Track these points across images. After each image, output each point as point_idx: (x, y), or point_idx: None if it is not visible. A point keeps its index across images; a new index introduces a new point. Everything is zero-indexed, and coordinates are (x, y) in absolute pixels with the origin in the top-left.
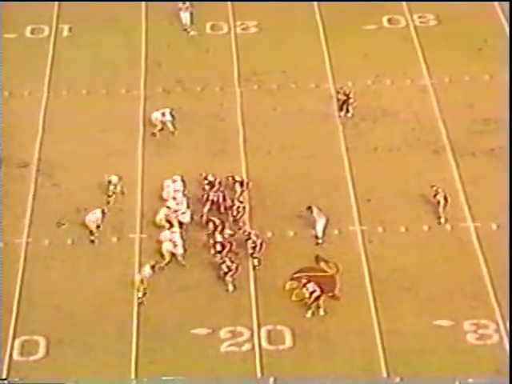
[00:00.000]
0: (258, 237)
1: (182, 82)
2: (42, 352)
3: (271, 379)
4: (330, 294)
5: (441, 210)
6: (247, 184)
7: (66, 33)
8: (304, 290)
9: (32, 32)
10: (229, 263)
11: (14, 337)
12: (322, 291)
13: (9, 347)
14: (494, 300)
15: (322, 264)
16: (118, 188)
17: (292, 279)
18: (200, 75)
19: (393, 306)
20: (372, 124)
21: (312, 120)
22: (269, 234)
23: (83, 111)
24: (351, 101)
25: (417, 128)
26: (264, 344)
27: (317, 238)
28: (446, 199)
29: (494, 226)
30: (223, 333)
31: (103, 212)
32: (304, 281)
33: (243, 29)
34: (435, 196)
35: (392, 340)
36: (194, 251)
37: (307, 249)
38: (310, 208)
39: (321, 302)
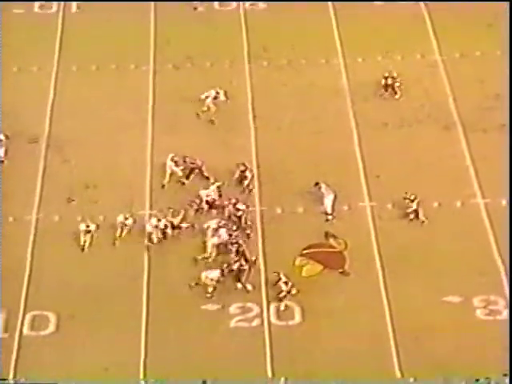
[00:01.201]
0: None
1: (191, 58)
2: (52, 327)
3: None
4: (340, 270)
5: (421, 215)
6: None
7: (74, 9)
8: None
9: (40, 8)
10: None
11: (25, 311)
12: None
13: (19, 322)
14: (503, 276)
15: (331, 240)
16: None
17: (301, 255)
18: (209, 51)
19: (402, 282)
20: (382, 100)
21: (322, 96)
22: (278, 211)
23: (92, 87)
24: (397, 84)
25: (427, 104)
26: (273, 320)
27: (326, 214)
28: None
29: (504, 202)
30: (233, 309)
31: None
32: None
33: (252, 4)
34: (412, 202)
35: (401, 316)
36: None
37: (317, 225)
38: (317, 184)
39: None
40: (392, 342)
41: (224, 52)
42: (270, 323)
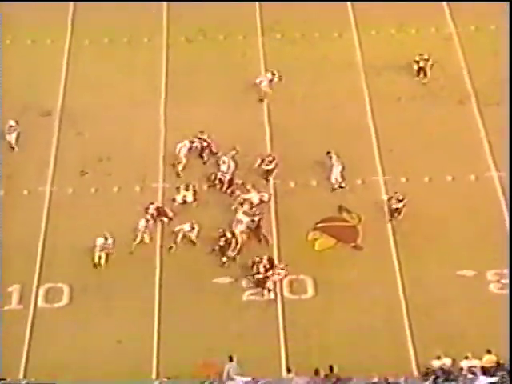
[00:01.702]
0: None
1: (204, 31)
2: (65, 299)
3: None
4: (353, 244)
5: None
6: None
7: None
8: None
9: None
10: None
11: (39, 284)
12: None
13: (33, 294)
14: None
15: (345, 214)
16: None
17: (315, 229)
18: (222, 24)
19: (415, 255)
20: (395, 73)
21: (335, 69)
22: (291, 184)
23: (105, 60)
24: (430, 63)
25: (441, 77)
26: (286, 293)
27: (337, 181)
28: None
29: None
30: (245, 282)
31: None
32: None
33: None
34: (400, 202)
35: (414, 290)
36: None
37: (330, 199)
38: (329, 153)
39: (268, 284)
40: (405, 316)
41: (237, 25)
42: (282, 297)
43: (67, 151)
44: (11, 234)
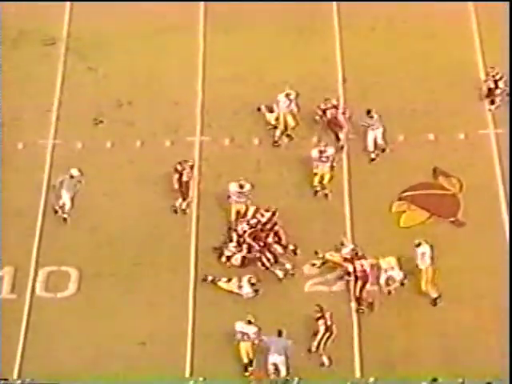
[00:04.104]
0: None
1: None
2: (72, 287)
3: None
4: (451, 219)
5: None
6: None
7: None
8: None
9: None
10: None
11: (37, 266)
12: None
13: (30, 280)
14: None
15: (441, 179)
16: None
17: (400, 199)
18: None
19: None
20: None
21: None
22: None
23: None
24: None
25: None
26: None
27: (369, 151)
28: None
29: None
30: (306, 268)
31: None
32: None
33: None
34: None
35: None
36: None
37: (422, 159)
38: (369, 112)
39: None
40: None
41: None
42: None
43: (75, 92)
44: (2, 201)
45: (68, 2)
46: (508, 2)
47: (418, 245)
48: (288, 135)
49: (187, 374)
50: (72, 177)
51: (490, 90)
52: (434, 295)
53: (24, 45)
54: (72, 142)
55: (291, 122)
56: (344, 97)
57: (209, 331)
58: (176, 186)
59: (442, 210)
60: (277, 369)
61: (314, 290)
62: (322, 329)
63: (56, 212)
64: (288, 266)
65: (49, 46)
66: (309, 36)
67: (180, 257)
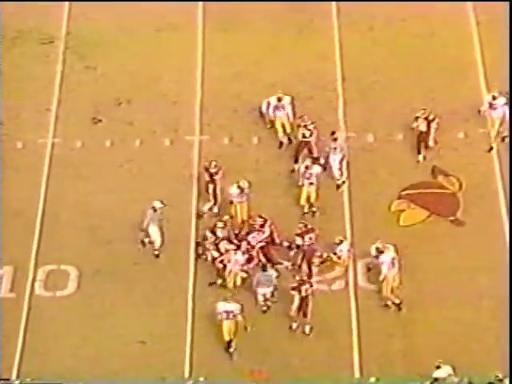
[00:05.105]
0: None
1: None
2: (72, 286)
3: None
4: (451, 218)
5: None
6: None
7: None
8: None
9: None
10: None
11: (37, 265)
12: None
13: (30, 278)
14: None
15: (441, 178)
16: None
17: (400, 197)
18: None
19: None
20: None
21: None
22: (370, 139)
23: None
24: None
25: None
26: (361, 282)
27: (336, 179)
28: None
29: None
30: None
31: None
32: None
33: None
34: None
35: None
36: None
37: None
38: (333, 133)
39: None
40: None
41: None
42: (356, 285)
43: (74, 91)
44: (1, 200)
45: (66, 2)
46: (508, 2)
47: (382, 251)
48: (289, 139)
49: (187, 374)
50: (155, 210)
51: (421, 133)
52: (397, 301)
53: (23, 44)
54: (71, 141)
55: (288, 128)
56: (343, 96)
57: (209, 331)
58: (209, 190)
59: (441, 208)
60: (266, 299)
61: (314, 289)
62: (296, 298)
63: (144, 245)
64: (287, 263)
65: (47, 45)
66: (308, 35)
67: (180, 256)
